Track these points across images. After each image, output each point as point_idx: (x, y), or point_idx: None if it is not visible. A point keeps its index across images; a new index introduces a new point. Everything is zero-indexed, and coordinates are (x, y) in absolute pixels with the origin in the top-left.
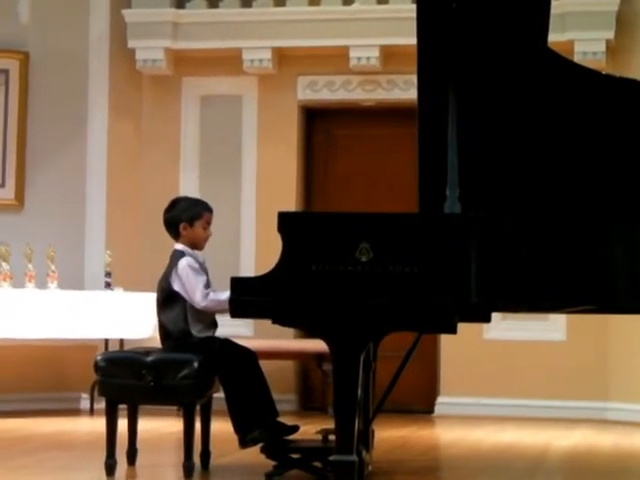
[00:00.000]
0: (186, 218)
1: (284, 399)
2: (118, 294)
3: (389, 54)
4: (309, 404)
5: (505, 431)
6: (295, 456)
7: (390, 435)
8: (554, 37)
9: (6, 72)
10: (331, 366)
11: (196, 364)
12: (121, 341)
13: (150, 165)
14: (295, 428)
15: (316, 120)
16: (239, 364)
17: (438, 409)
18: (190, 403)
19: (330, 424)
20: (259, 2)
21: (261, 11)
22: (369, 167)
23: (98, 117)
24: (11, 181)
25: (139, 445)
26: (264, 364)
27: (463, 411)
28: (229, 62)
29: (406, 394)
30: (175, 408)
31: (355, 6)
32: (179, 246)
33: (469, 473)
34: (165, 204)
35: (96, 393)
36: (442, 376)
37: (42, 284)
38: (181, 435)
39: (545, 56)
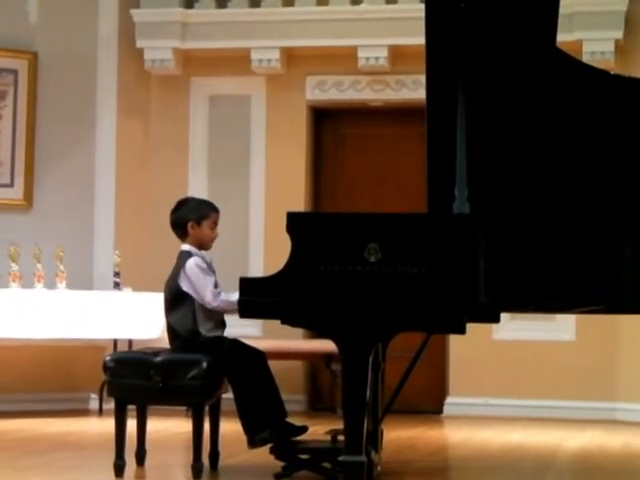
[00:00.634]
0: (194, 217)
1: (293, 399)
2: (127, 294)
3: (397, 54)
4: (318, 404)
5: (514, 431)
6: (304, 457)
7: (399, 435)
8: (562, 37)
9: (15, 72)
10: (340, 366)
11: (205, 364)
12: (130, 341)
13: (159, 165)
14: (304, 428)
15: (324, 120)
16: (248, 364)
17: (447, 409)
18: (199, 403)
19: (339, 424)
20: (267, 2)
21: (269, 11)
22: (378, 167)
23: (106, 117)
24: (20, 181)
25: (148, 446)
26: (273, 364)
27: (472, 411)
28: (237, 62)
29: (415, 395)
30: (184, 408)
31: (363, 6)
32: (186, 247)
33: (478, 473)
34: (174, 204)
35: (105, 393)
36: (451, 377)
37: (51, 284)
38: (190, 435)
39: (554, 56)
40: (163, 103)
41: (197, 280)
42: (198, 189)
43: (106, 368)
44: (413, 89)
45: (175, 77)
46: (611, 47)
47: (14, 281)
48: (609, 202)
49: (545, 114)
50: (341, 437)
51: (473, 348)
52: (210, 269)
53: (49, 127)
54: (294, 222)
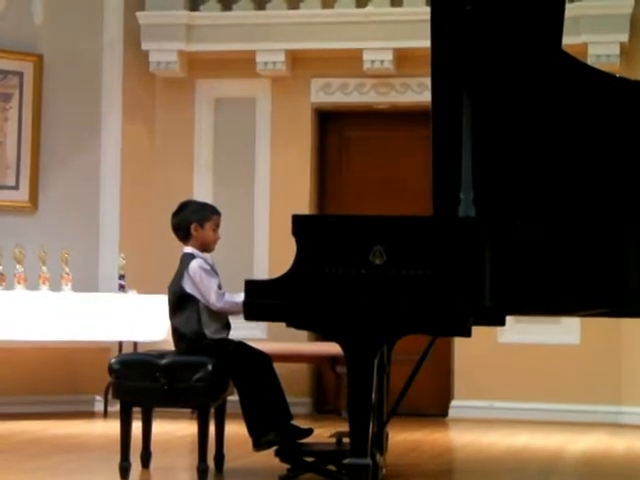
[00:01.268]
0: (196, 219)
1: (298, 402)
2: (132, 297)
3: (403, 57)
4: (323, 407)
5: (518, 435)
6: (309, 459)
7: (404, 438)
8: (568, 40)
9: (20, 74)
10: (345, 369)
11: (210, 367)
12: (135, 344)
13: (164, 167)
14: (309, 431)
15: (329, 123)
16: (253, 367)
17: (452, 412)
18: (204, 406)
19: (344, 427)
20: (273, 4)
21: (275, 13)
22: (383, 170)
23: (112, 119)
24: (25, 183)
25: (153, 448)
26: (278, 367)
27: (477, 414)
28: (243, 64)
29: (420, 397)
30: (189, 411)
31: (369, 9)
32: (188, 249)
33: (482, 476)
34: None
35: (110, 395)
36: (456, 379)
37: (56, 286)
38: (195, 438)
39: (559, 59)
40: (168, 105)
41: (201, 282)
42: (203, 191)
43: (111, 370)
44: (418, 92)
45: (180, 79)
46: (616, 50)
47: (19, 283)
48: (615, 204)
49: (550, 117)
50: (346, 440)
51: (478, 351)
52: (213, 270)
53: (54, 129)
54: (299, 225)
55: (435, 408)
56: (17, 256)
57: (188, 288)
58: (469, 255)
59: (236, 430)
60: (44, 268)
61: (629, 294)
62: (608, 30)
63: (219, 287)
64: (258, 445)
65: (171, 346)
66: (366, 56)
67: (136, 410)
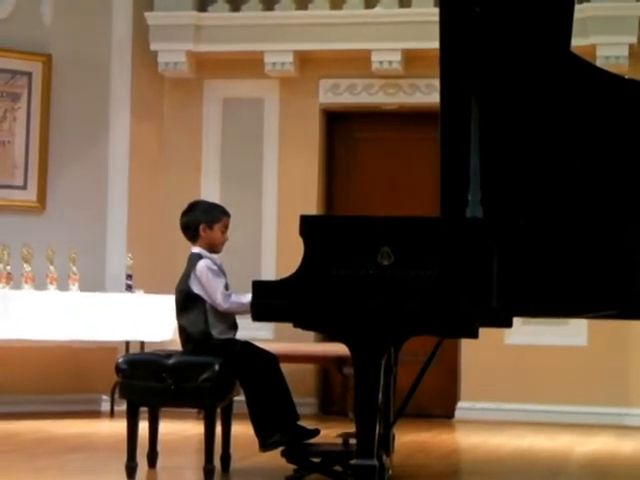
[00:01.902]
0: (206, 220)
1: (304, 402)
2: (139, 296)
3: (411, 58)
4: (329, 408)
5: (525, 436)
6: (315, 460)
7: (410, 439)
8: (577, 41)
9: (29, 74)
10: (352, 370)
11: (217, 367)
12: (142, 343)
13: (172, 167)
14: (315, 432)
15: (338, 123)
16: (260, 367)
17: (458, 414)
18: (211, 406)
19: (350, 428)
20: (281, 5)
21: (283, 14)
22: (391, 171)
23: (120, 119)
24: (33, 183)
25: (160, 448)
26: (284, 367)
27: (483, 416)
28: (251, 65)
29: (427, 399)
30: (196, 411)
31: (377, 10)
32: (196, 249)
33: (489, 478)
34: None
35: (117, 395)
36: (463, 381)
37: (63, 286)
38: (202, 438)
39: (568, 60)
40: (176, 106)
41: (208, 282)
42: (211, 191)
43: (118, 370)
44: (427, 93)
45: (188, 80)
46: (625, 52)
47: (27, 282)
48: (624, 206)
49: (558, 118)
50: (353, 440)
51: (485, 352)
52: (221, 271)
53: (63, 129)
54: (307, 225)
55: (441, 409)
56: (25, 256)
57: (195, 288)
58: (476, 256)
59: (243, 430)
60: (51, 268)
61: (636, 295)
62: (617, 31)
63: (226, 288)
64: (264, 445)
65: (178, 346)
66: (374, 57)
67: (143, 410)
